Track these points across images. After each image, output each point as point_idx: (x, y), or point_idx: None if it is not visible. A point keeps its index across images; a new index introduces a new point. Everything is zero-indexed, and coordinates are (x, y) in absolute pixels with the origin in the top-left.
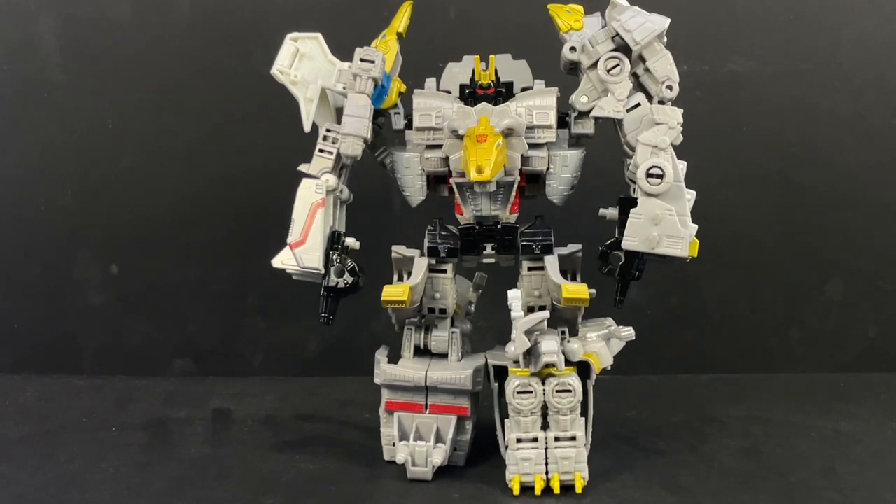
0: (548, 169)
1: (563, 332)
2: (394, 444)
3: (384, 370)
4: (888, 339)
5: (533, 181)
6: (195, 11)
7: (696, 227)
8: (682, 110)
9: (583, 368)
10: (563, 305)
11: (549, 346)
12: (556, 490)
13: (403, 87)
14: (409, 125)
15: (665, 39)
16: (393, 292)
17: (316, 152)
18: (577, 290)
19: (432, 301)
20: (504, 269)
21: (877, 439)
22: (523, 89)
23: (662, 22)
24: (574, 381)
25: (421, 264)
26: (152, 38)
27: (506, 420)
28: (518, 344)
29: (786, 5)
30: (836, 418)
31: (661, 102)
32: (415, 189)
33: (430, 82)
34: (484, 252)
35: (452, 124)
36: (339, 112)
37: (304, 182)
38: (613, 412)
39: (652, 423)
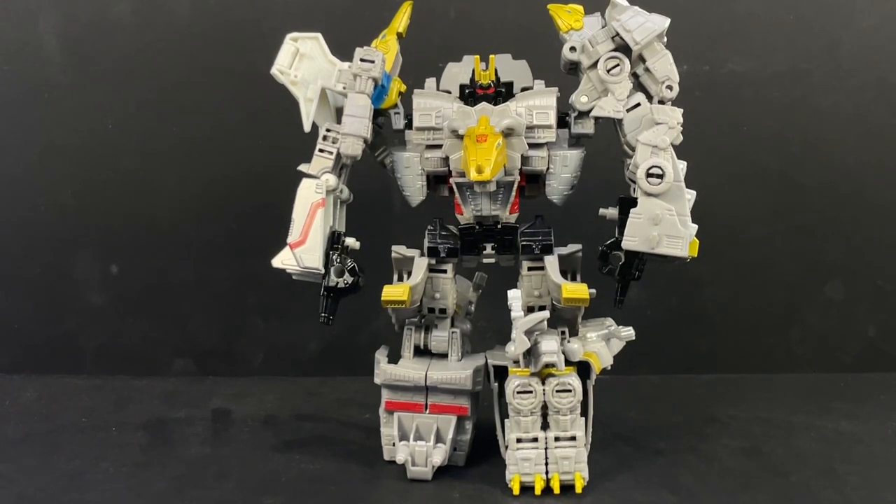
0: (548, 169)
1: (563, 332)
2: (394, 444)
3: (384, 370)
4: (888, 339)
5: (533, 181)
6: (195, 11)
7: (696, 227)
8: (682, 110)
9: (583, 368)
10: (563, 305)
11: (549, 346)
12: (556, 490)
13: (403, 87)
14: (409, 125)
15: (665, 39)
16: (393, 292)
17: (316, 152)
18: (577, 290)
19: (432, 301)
20: (504, 269)
21: (877, 439)
22: (523, 89)
23: (662, 22)
24: (574, 381)
25: (421, 264)
26: (152, 38)
27: (506, 420)
28: (518, 344)
29: (786, 5)
30: (836, 418)
31: (661, 102)
32: (415, 189)
33: (430, 82)
34: (484, 252)
35: (452, 124)
36: (339, 112)
37: (304, 182)
38: (613, 412)
39: (652, 423)
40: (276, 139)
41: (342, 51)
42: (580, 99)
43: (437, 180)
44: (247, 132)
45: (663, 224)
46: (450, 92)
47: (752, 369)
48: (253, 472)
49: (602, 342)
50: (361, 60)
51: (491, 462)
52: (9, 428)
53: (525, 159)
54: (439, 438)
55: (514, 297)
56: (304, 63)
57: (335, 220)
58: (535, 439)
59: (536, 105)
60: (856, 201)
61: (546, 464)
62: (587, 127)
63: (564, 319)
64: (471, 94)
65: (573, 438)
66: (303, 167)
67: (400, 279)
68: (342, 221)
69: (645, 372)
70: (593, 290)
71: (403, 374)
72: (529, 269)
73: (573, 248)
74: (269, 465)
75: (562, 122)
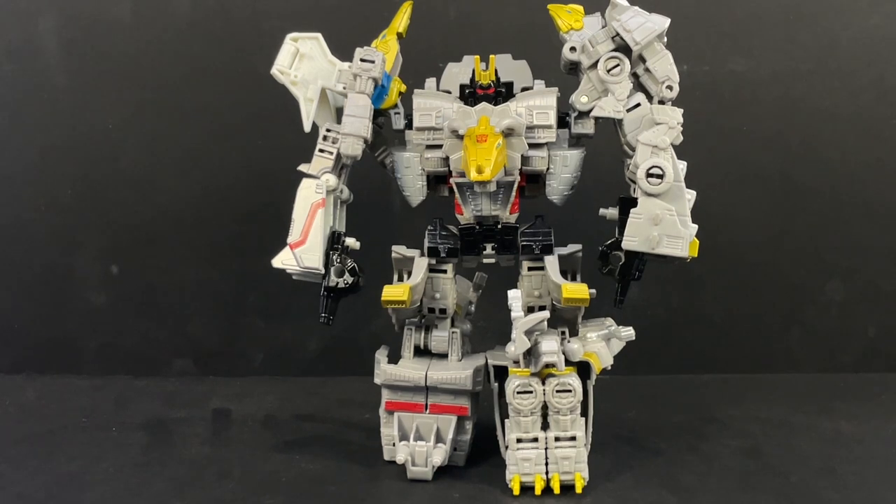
0: (548, 169)
1: (563, 332)
2: (394, 444)
3: (384, 370)
4: (888, 339)
5: (533, 181)
6: (195, 11)
7: (696, 227)
8: (682, 110)
9: (583, 368)
10: (563, 305)
11: (549, 346)
12: (556, 490)
13: (403, 87)
14: (409, 125)
15: (665, 39)
16: (393, 292)
17: (316, 152)
18: (577, 290)
19: (432, 301)
20: (504, 269)
21: (877, 439)
22: (523, 89)
23: (662, 22)
24: (574, 381)
25: (421, 264)
26: (152, 38)
27: (506, 420)
28: (518, 344)
29: (786, 5)
30: (836, 418)
31: (661, 102)
32: (415, 189)
33: (430, 82)
34: (484, 252)
35: (452, 124)
36: (339, 112)
37: (304, 182)
38: (613, 412)
39: (652, 423)
40: (276, 139)
41: (342, 51)
42: (580, 99)
43: (437, 180)
44: (247, 132)
45: (663, 224)
46: (450, 92)
47: (752, 369)
48: (253, 472)
49: (602, 342)
50: (361, 60)
51: (491, 462)
52: (9, 428)
53: (525, 159)
54: (439, 438)
55: (514, 297)
56: (304, 63)
57: (335, 220)
58: (536, 439)
59: (536, 105)
60: (856, 201)
61: (546, 464)
62: (587, 127)
63: (564, 319)
64: (471, 94)
65: (573, 438)
66: (303, 167)
67: (400, 279)
68: (342, 221)
69: (645, 372)
70: (593, 290)
71: (403, 374)
72: (529, 269)
73: (573, 248)
74: (269, 465)
75: (562, 122)
